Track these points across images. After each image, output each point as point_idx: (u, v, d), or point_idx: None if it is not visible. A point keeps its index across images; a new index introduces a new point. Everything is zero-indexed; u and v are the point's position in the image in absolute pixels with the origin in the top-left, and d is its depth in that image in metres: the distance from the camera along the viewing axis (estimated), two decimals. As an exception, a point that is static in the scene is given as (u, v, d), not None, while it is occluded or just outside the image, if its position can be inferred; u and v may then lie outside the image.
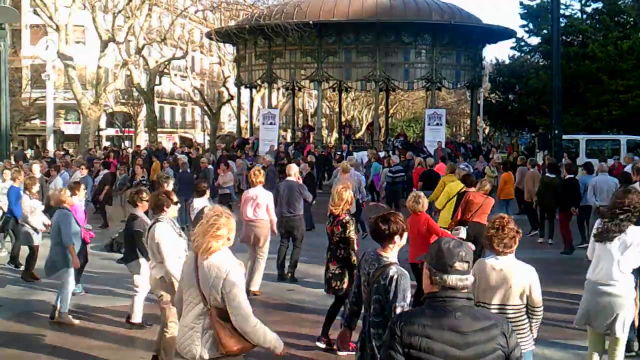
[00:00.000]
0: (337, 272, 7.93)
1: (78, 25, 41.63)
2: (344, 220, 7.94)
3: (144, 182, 17.66)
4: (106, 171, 19.68)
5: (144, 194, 8.83)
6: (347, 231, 7.91)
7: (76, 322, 9.22)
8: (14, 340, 8.52)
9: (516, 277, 5.11)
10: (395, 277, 4.74)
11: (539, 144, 28.79)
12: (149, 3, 34.32)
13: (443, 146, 29.08)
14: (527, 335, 5.19)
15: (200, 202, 10.57)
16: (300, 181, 12.98)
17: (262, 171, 11.49)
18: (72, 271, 9.42)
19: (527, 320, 5.19)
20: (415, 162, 19.80)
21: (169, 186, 9.63)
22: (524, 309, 5.18)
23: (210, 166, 21.60)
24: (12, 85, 34.41)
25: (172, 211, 7.66)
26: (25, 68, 49.47)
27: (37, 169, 16.15)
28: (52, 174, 17.68)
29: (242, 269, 4.91)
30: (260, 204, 10.89)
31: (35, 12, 34.23)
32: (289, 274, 11.73)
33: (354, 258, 7.82)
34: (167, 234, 7.23)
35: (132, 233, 8.56)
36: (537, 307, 5.21)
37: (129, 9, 33.48)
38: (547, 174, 16.20)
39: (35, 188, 12.24)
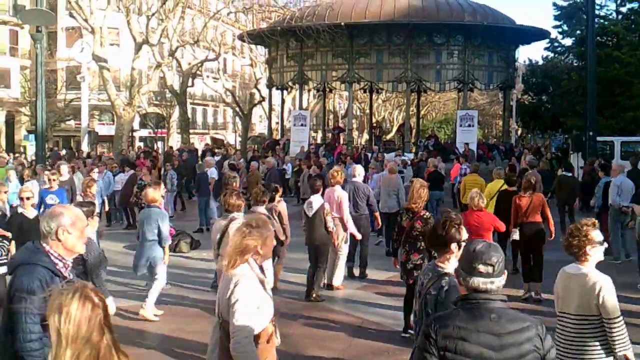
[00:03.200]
0: (418, 262, 8.39)
1: (112, 28, 42.22)
2: (425, 216, 8.57)
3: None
4: (132, 171, 19.80)
5: (266, 194, 9.51)
6: (429, 225, 8.37)
7: (160, 313, 9.46)
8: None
9: (587, 284, 4.87)
10: (446, 287, 4.42)
11: (572, 146, 28.46)
12: (182, 6, 34.62)
13: (470, 147, 28.65)
14: (599, 351, 4.82)
15: (317, 200, 10.68)
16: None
17: (341, 172, 11.96)
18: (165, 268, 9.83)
19: (599, 334, 4.83)
20: (429, 163, 20.42)
21: (237, 185, 10.02)
22: (597, 321, 4.84)
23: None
24: (48, 87, 34.92)
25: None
26: (60, 70, 50.26)
27: (64, 169, 15.50)
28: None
29: (258, 282, 4.55)
30: (339, 202, 11.34)
31: (70, 15, 34.74)
32: (360, 273, 12.28)
33: None
34: None
35: None
36: (612, 319, 4.78)
37: (162, 11, 33.79)
38: (564, 173, 17.20)
39: (94, 189, 11.91)
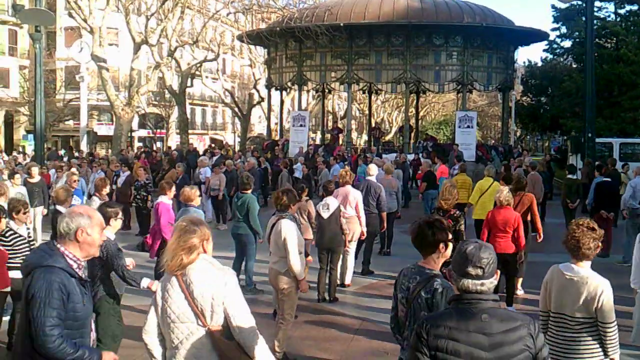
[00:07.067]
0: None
1: (112, 28, 42.27)
2: (455, 215, 8.64)
3: (149, 184, 17.35)
4: (128, 172, 19.65)
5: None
6: (458, 225, 8.53)
7: None
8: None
9: (588, 288, 4.79)
10: (440, 289, 4.32)
11: (571, 148, 28.51)
12: (182, 6, 34.63)
13: (459, 149, 28.37)
14: (597, 351, 4.82)
15: (333, 202, 10.66)
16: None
17: (350, 172, 12.14)
18: None
19: (597, 335, 4.82)
20: (424, 164, 20.98)
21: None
22: (595, 323, 4.82)
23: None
24: (47, 87, 34.96)
25: (293, 210, 8.29)
26: (59, 70, 50.25)
27: (35, 171, 15.34)
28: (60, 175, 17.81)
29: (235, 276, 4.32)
30: (351, 201, 11.45)
31: (70, 15, 34.75)
32: (364, 269, 12.45)
33: None
34: (293, 230, 7.71)
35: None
36: (608, 324, 4.77)
37: (161, 11, 33.81)
38: (568, 176, 17.10)
39: (106, 190, 11.83)
